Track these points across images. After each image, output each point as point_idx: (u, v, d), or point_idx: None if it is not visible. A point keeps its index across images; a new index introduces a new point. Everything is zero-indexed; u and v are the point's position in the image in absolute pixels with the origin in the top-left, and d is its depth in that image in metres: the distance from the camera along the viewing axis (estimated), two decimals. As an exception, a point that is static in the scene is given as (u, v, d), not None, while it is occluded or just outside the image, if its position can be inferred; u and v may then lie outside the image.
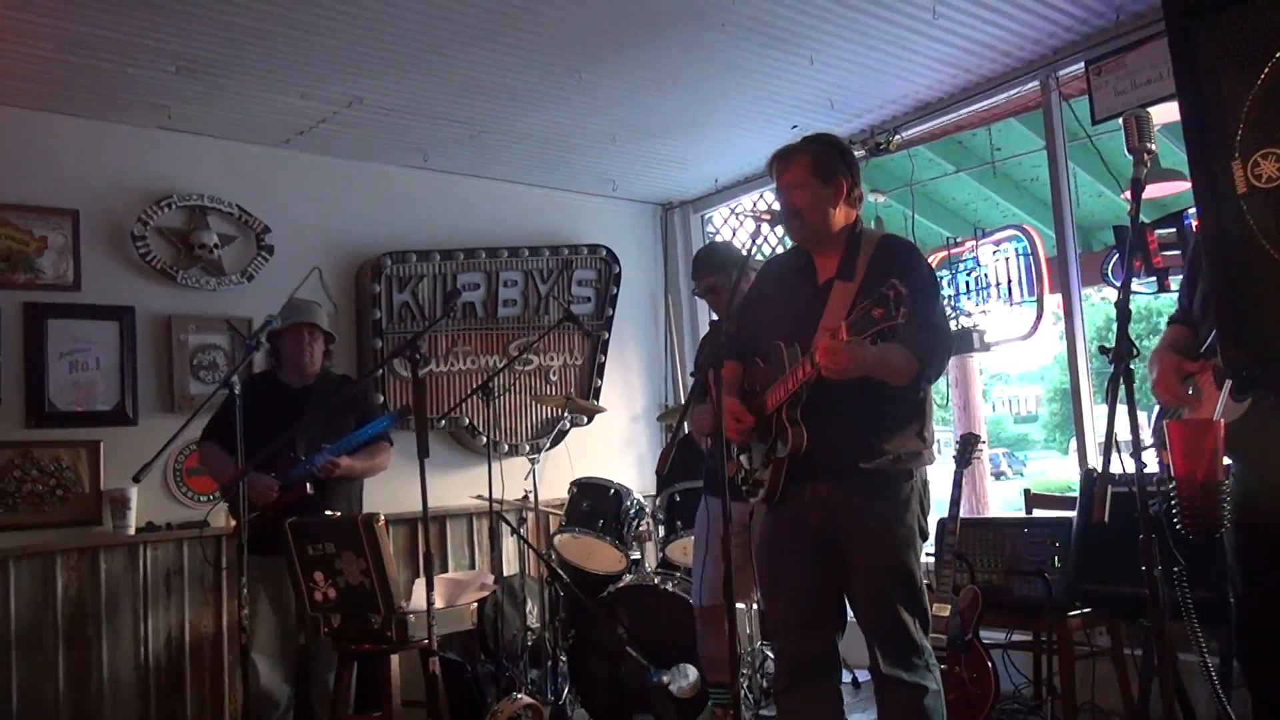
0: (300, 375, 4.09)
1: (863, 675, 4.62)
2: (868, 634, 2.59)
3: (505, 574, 4.87)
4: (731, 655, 2.45)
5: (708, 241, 6.49)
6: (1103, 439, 1.88)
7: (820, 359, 2.38)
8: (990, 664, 3.72)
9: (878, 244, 2.71)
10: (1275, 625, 2.14)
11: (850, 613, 2.75)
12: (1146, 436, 2.12)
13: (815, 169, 2.68)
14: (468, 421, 5.35)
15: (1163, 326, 2.61)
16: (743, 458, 2.78)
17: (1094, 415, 4.46)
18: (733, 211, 6.52)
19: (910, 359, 2.52)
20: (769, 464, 2.63)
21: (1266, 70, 1.58)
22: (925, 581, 2.67)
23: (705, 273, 3.88)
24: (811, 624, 2.68)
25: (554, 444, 5.44)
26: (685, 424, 3.83)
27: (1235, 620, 2.25)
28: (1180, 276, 2.64)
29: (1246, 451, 2.04)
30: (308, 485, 3.83)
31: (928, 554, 3.99)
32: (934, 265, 5.31)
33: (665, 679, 4.20)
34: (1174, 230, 3.87)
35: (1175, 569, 2.19)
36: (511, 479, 4.87)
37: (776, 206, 2.80)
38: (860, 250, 2.68)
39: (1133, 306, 1.98)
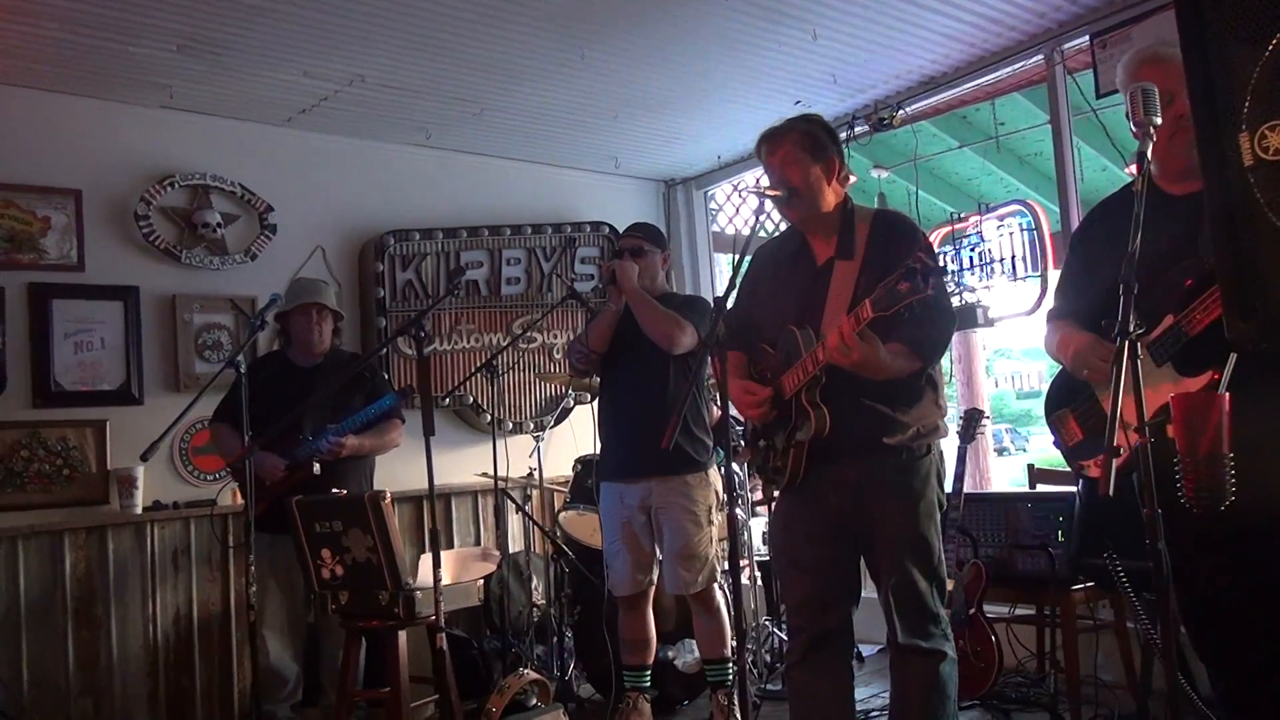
0: (309, 355, 4.10)
1: (868, 650, 4.65)
2: (888, 606, 2.58)
3: (510, 551, 4.89)
4: (738, 632, 2.46)
5: (711, 219, 6.50)
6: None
7: (831, 356, 2.39)
8: (994, 638, 3.75)
9: (873, 220, 2.68)
10: (1210, 607, 2.17)
11: (863, 585, 2.75)
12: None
13: (806, 145, 2.66)
14: (472, 399, 5.36)
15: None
16: (762, 443, 2.73)
17: (1098, 390, 4.44)
18: (735, 188, 6.51)
19: (913, 359, 2.51)
20: (788, 449, 2.59)
21: (1275, 42, 1.57)
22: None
23: (644, 239, 3.87)
24: (829, 601, 2.67)
25: (558, 421, 5.45)
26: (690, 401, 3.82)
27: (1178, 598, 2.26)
28: None
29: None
30: (315, 465, 3.85)
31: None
32: (938, 241, 5.29)
33: (670, 654, 4.23)
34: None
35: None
36: (516, 456, 4.89)
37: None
38: (855, 227, 2.66)
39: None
